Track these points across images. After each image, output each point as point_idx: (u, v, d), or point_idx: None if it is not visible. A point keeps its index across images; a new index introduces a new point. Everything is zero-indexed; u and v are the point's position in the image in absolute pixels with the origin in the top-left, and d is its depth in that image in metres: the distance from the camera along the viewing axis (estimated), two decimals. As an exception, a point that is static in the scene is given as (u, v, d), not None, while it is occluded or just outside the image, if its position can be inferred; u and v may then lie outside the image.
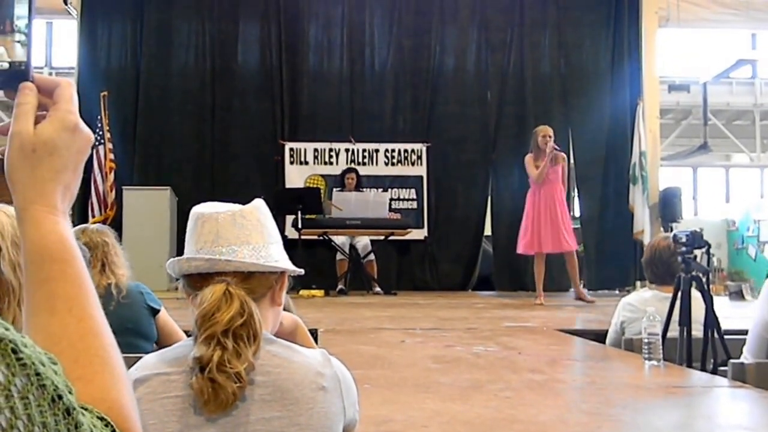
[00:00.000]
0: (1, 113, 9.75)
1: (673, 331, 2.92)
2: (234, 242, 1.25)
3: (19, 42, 0.70)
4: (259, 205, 1.32)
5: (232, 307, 1.16)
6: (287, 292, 1.36)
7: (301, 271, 1.33)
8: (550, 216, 6.40)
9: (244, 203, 1.32)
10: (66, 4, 8.27)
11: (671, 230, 7.41)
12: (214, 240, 1.25)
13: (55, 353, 0.55)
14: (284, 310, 1.40)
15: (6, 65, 0.70)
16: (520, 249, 6.63)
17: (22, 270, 1.00)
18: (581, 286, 6.65)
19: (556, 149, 6.41)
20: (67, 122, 0.68)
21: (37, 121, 0.67)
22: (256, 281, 1.25)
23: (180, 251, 1.32)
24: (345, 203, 7.44)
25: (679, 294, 2.91)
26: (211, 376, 1.12)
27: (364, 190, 8.08)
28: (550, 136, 6.46)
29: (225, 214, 1.27)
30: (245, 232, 1.26)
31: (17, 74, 0.69)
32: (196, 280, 1.24)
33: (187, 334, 2.51)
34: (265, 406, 1.15)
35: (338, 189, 7.83)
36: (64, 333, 0.62)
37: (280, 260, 1.29)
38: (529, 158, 6.55)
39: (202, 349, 1.13)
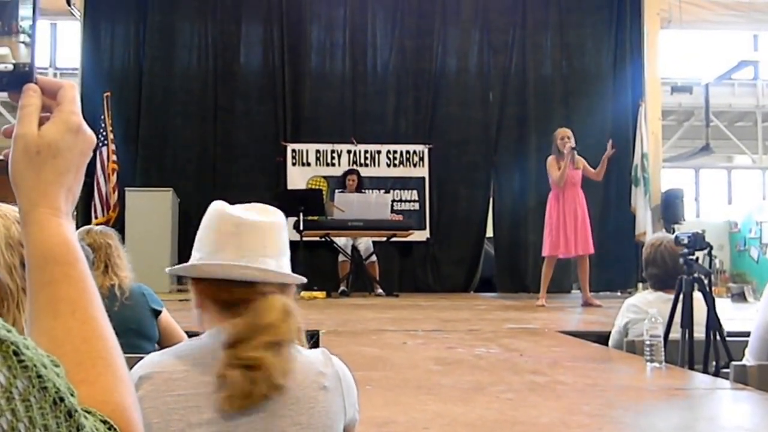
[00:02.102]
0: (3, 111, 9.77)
1: (675, 333, 2.92)
2: (275, 253, 1.28)
3: (23, 43, 0.70)
4: (283, 216, 1.35)
5: (290, 319, 1.21)
6: None
7: (304, 279, 1.35)
8: (576, 218, 6.40)
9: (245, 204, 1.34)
10: (69, 5, 8.28)
11: (673, 232, 7.41)
12: (260, 249, 1.26)
13: (59, 356, 0.55)
14: None
15: (10, 67, 0.70)
16: (549, 251, 6.51)
17: (18, 272, 1.01)
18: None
19: (574, 149, 6.39)
20: (71, 124, 0.68)
21: (41, 122, 0.68)
22: (288, 292, 1.29)
23: (182, 253, 1.33)
24: (347, 205, 7.44)
25: (681, 296, 2.91)
26: (254, 376, 1.14)
27: (366, 191, 8.08)
28: (568, 138, 6.43)
29: (268, 223, 1.29)
30: (283, 243, 1.31)
31: (21, 76, 0.69)
32: (227, 287, 1.25)
33: (189, 334, 2.52)
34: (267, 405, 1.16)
35: (340, 190, 7.84)
36: (68, 336, 0.62)
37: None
38: (551, 160, 6.51)
39: (257, 352, 1.15)
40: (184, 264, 1.28)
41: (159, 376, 1.17)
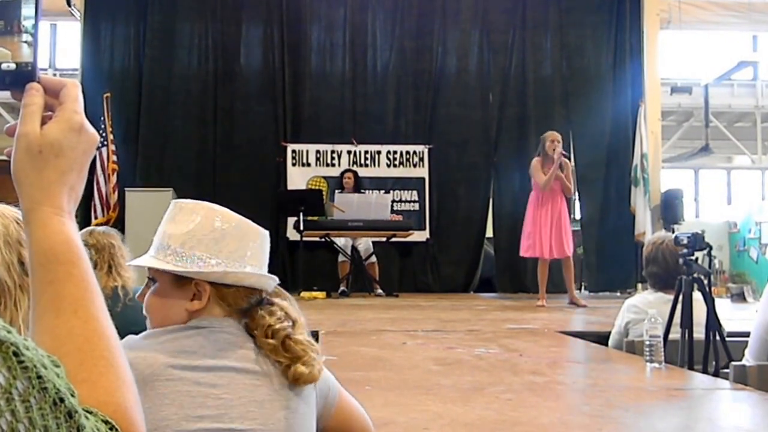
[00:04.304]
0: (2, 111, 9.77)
1: (675, 334, 2.92)
2: None
3: (25, 42, 0.71)
4: None
5: None
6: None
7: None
8: (552, 222, 6.39)
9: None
10: (69, 6, 8.28)
11: (673, 232, 7.41)
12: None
13: (60, 355, 0.55)
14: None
15: (13, 66, 0.70)
16: (523, 252, 6.58)
17: (15, 269, 1.01)
18: (575, 290, 6.62)
19: (564, 155, 6.37)
20: (74, 123, 0.68)
21: (44, 121, 0.68)
22: None
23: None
24: (347, 205, 7.44)
25: (681, 296, 2.91)
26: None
27: (365, 191, 8.08)
28: (558, 142, 6.40)
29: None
30: None
31: (24, 75, 0.70)
32: (246, 293, 1.26)
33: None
34: None
35: (339, 190, 7.84)
36: (69, 335, 0.62)
37: None
38: (536, 162, 6.46)
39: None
40: (216, 270, 1.22)
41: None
